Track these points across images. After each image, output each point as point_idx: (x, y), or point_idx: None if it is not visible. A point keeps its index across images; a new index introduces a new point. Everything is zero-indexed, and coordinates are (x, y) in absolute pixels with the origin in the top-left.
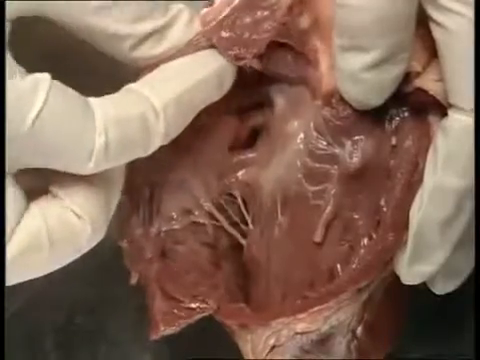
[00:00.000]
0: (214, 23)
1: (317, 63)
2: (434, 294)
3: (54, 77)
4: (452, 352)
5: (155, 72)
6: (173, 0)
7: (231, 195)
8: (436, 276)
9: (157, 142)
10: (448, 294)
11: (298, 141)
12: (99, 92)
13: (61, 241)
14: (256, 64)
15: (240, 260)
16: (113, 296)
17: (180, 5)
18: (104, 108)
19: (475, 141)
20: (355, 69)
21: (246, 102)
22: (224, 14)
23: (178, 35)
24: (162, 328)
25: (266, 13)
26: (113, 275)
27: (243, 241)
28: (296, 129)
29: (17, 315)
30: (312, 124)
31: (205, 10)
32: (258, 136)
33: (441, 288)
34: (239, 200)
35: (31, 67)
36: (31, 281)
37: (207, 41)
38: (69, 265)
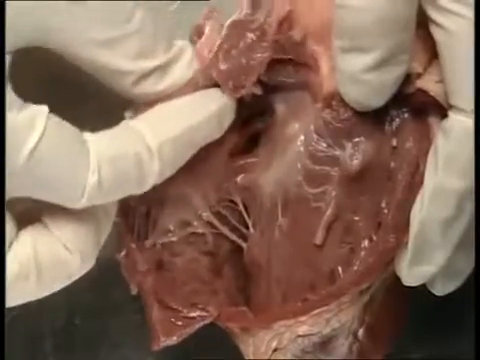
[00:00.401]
0: (210, 56)
1: (318, 67)
2: (434, 294)
3: (51, 103)
4: (452, 352)
5: (154, 110)
6: (174, 0)
7: (230, 200)
8: (436, 277)
9: (151, 181)
10: (448, 294)
11: (298, 143)
12: (97, 118)
13: (50, 271)
14: (257, 90)
15: (241, 263)
16: (114, 298)
17: (183, 42)
18: (99, 145)
19: (475, 142)
20: (356, 70)
21: (247, 112)
22: (217, 45)
23: (180, 72)
24: (162, 339)
25: (257, 34)
26: (114, 277)
27: (244, 245)
28: (296, 132)
29: (17, 317)
30: (312, 126)
31: (200, 43)
32: (258, 140)
33: (441, 289)
34: (239, 204)
35: (29, 93)
36: None
37: (206, 79)
38: None
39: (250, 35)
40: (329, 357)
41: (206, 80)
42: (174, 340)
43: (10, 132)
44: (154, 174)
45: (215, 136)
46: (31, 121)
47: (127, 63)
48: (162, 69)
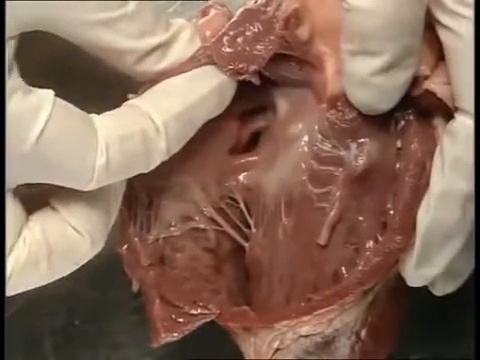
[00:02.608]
0: (214, 38)
1: (322, 68)
2: (434, 295)
3: (57, 85)
4: (452, 353)
5: (156, 87)
6: (174, 0)
7: (232, 199)
8: (437, 278)
9: (158, 159)
10: (448, 295)
11: (302, 143)
12: (103, 99)
13: (59, 255)
14: (256, 80)
15: (242, 263)
16: (113, 298)
17: (181, 20)
18: (106, 126)
19: (475, 144)
20: (365, 74)
21: (248, 106)
22: (224, 29)
23: (180, 50)
24: (163, 335)
25: (265, 27)
26: (113, 277)
27: (245, 244)
28: (300, 131)
29: (16, 317)
30: (317, 127)
31: (201, 22)
32: (259, 139)
33: (441, 289)
34: (241, 203)
35: (34, 77)
36: None
37: (207, 57)
38: None
39: (258, 25)
40: (331, 357)
41: (207, 58)
42: (175, 337)
43: (16, 117)
44: (161, 151)
45: (215, 113)
46: (37, 105)
47: (129, 42)
48: (163, 47)
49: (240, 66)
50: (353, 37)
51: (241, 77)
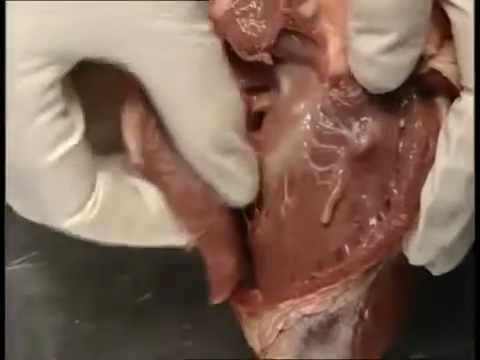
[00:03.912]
0: (223, 15)
1: (325, 47)
2: (434, 295)
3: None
4: (452, 353)
5: None
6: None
7: None
8: (437, 257)
9: None
10: (448, 294)
11: (305, 122)
12: None
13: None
14: (267, 58)
15: (245, 244)
16: (113, 298)
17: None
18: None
19: (475, 145)
20: (371, 52)
21: (252, 84)
22: (233, 5)
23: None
24: None
25: (271, 3)
26: (113, 277)
27: (249, 224)
28: (303, 110)
29: (16, 317)
30: (319, 105)
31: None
32: (263, 119)
33: (439, 269)
34: None
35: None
36: (29, 283)
37: (219, 35)
38: (68, 266)
39: (266, 2)
40: (333, 341)
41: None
42: None
43: (41, 130)
44: None
45: None
46: (69, 128)
47: None
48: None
49: (252, 44)
50: (361, 15)
51: (253, 57)
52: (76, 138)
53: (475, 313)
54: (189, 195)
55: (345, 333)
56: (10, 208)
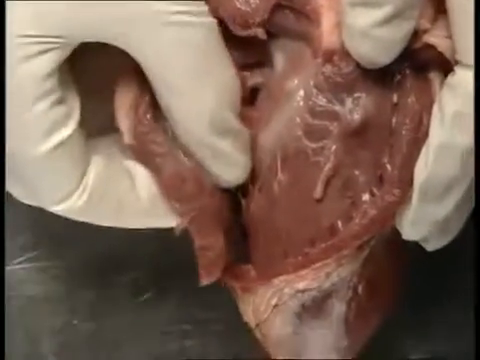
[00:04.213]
0: None
1: (319, 22)
2: (433, 295)
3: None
4: (452, 352)
5: None
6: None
7: None
8: (431, 233)
9: None
10: (448, 294)
11: (298, 98)
12: None
13: None
14: (261, 33)
15: (238, 220)
16: (113, 298)
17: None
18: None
19: (476, 147)
20: (366, 25)
21: (245, 60)
22: None
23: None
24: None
25: None
26: (113, 276)
27: (243, 200)
28: (296, 86)
29: (16, 317)
30: (312, 81)
31: None
32: (257, 95)
33: (433, 245)
34: None
35: None
36: (29, 283)
37: (213, 11)
38: (68, 266)
39: None
40: (328, 316)
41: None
42: None
43: (37, 119)
44: None
45: None
46: (65, 117)
47: None
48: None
49: (246, 18)
50: None
51: (247, 32)
52: (71, 127)
53: (475, 313)
54: (180, 178)
55: (339, 308)
56: (10, 195)
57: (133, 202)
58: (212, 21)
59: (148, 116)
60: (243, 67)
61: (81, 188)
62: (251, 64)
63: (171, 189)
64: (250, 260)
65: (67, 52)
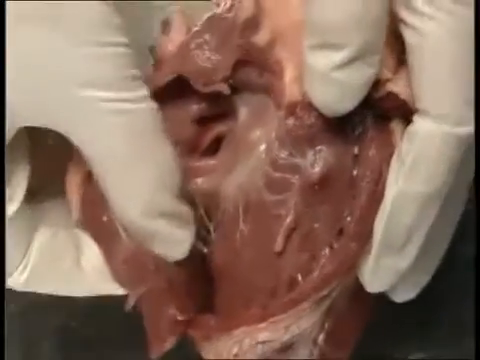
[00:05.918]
0: (177, 51)
1: (281, 74)
2: (433, 295)
3: None
4: (452, 353)
5: None
6: (174, 0)
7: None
8: (397, 284)
9: None
10: (448, 294)
11: (260, 150)
12: None
13: None
14: (225, 89)
15: (202, 269)
16: (111, 299)
17: None
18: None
19: (476, 147)
20: (326, 68)
21: (209, 112)
22: (185, 40)
23: None
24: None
25: (226, 35)
26: None
27: (205, 249)
28: (259, 138)
29: (16, 317)
30: (274, 134)
31: (163, 39)
32: (220, 144)
33: (401, 297)
34: (200, 208)
35: None
36: None
37: (173, 72)
38: None
39: (219, 34)
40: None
41: (172, 73)
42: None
43: None
44: None
45: None
46: (8, 199)
47: None
48: None
49: (209, 77)
50: (314, 31)
51: (210, 89)
52: (15, 206)
53: (475, 313)
54: (124, 262)
55: (302, 358)
56: None
57: (78, 275)
58: (149, 106)
59: (96, 196)
60: (206, 117)
61: (23, 264)
62: (214, 114)
63: (115, 273)
64: (214, 307)
65: (11, 135)
